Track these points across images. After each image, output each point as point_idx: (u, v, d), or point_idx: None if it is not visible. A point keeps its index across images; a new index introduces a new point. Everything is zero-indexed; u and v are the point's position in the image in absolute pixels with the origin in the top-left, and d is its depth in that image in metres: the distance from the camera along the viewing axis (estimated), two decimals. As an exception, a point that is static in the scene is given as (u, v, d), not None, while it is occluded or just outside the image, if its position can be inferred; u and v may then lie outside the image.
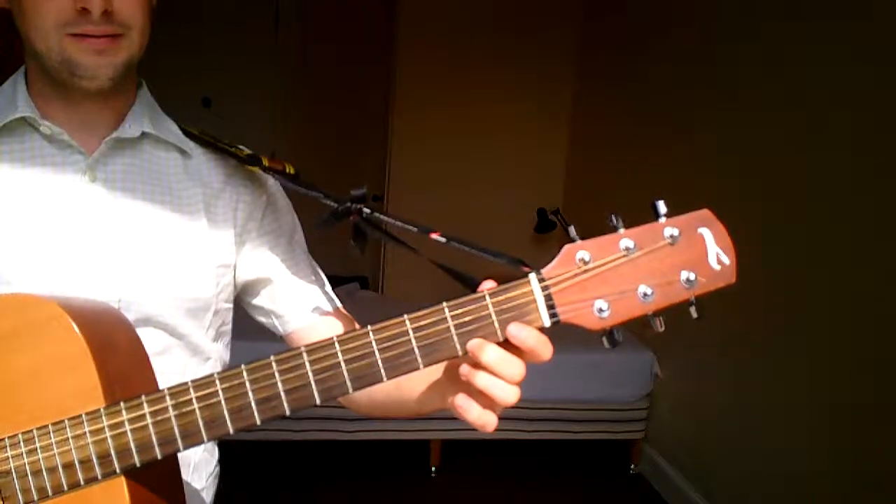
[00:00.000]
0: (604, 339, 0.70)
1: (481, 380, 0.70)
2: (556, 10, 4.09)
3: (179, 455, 0.79)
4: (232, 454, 3.30)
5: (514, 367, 0.70)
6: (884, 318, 2.07)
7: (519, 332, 0.69)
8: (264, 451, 3.14)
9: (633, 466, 3.32)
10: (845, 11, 2.22)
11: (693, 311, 0.69)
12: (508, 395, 0.70)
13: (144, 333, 0.85)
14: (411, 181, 4.14)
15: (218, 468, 1.06)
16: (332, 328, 0.98)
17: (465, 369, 0.70)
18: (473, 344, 0.69)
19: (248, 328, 1.07)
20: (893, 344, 2.03)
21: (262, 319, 1.04)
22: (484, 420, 0.72)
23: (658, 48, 3.31)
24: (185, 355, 0.94)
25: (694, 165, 2.97)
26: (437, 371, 0.79)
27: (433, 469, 3.20)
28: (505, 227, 3.94)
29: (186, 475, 0.97)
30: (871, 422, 2.11)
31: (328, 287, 1.04)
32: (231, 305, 1.02)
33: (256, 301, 1.02)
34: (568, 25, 4.11)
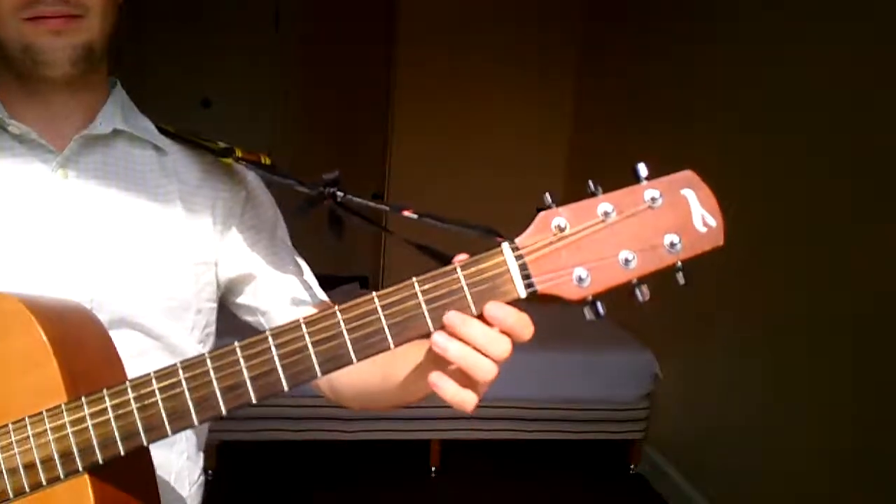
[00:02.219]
0: (586, 311, 0.66)
1: (456, 353, 0.66)
2: (556, 9, 4.08)
3: (159, 462, 0.78)
4: (232, 454, 3.30)
5: (503, 345, 0.66)
6: (884, 318, 2.06)
7: (497, 311, 0.65)
8: (264, 452, 3.14)
9: (632, 466, 3.31)
10: (846, 11, 2.22)
11: (680, 277, 0.65)
12: (487, 370, 0.66)
13: (119, 335, 0.83)
14: (411, 180, 4.13)
15: (203, 478, 1.02)
16: None
17: (438, 339, 0.66)
18: (452, 318, 0.65)
19: (243, 327, 1.05)
20: (894, 344, 2.03)
21: (247, 318, 1.02)
22: (461, 397, 0.67)
23: (658, 47, 3.31)
24: (163, 357, 0.91)
25: (694, 165, 2.96)
26: (419, 353, 0.76)
27: (433, 469, 3.19)
28: (505, 226, 3.93)
29: (168, 483, 0.94)
30: (871, 422, 2.11)
31: (313, 281, 1.02)
32: (215, 305, 1.00)
33: (241, 300, 1.00)
34: (569, 23, 4.11)
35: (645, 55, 3.43)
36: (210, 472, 2.92)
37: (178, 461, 0.97)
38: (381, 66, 4.50)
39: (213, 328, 1.00)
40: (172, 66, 4.62)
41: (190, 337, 0.95)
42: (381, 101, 4.43)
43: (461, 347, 0.66)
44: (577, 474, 3.29)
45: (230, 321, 1.04)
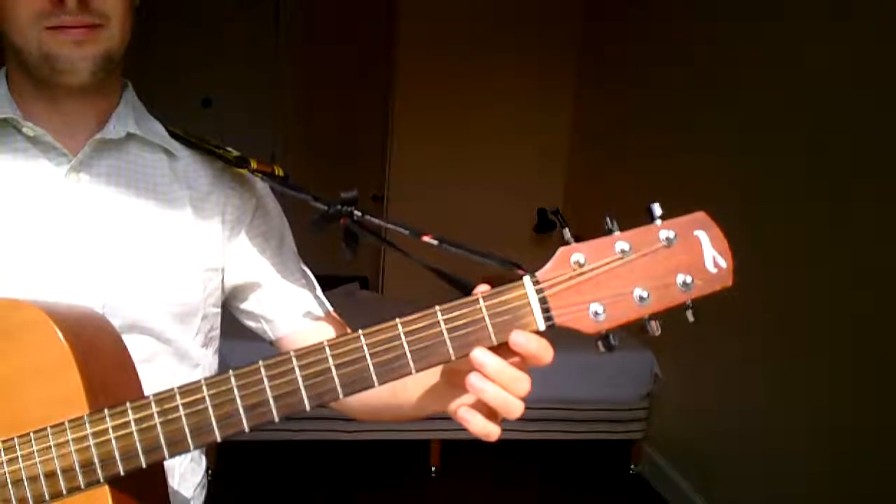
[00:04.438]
0: (599, 343, 0.69)
1: (491, 394, 0.69)
2: (556, 11, 4.08)
3: (164, 464, 0.77)
4: (232, 454, 3.30)
5: (524, 384, 0.69)
6: (884, 318, 2.07)
7: (520, 339, 0.68)
8: (264, 451, 3.14)
9: (633, 466, 3.32)
10: (845, 12, 2.22)
11: (690, 315, 0.68)
12: (516, 409, 0.70)
13: (130, 340, 0.83)
14: (411, 181, 4.13)
15: (205, 478, 1.03)
16: (323, 333, 0.96)
17: (475, 381, 0.69)
18: (479, 356, 0.68)
19: (243, 328, 1.05)
20: (893, 344, 2.03)
21: (250, 324, 1.02)
22: (488, 430, 0.71)
23: (658, 48, 3.31)
24: (172, 362, 0.92)
25: (694, 165, 2.96)
26: (434, 375, 0.78)
27: (433, 469, 3.19)
28: (505, 227, 3.94)
29: (173, 486, 0.95)
30: (871, 422, 2.11)
31: (319, 291, 1.02)
32: (219, 310, 1.00)
33: (245, 306, 1.01)
34: (568, 26, 4.11)
35: (645, 57, 3.43)
36: (210, 471, 2.92)
37: (182, 463, 0.97)
38: (381, 66, 4.51)
39: (216, 332, 1.01)
40: (172, 66, 4.63)
41: (194, 341, 0.95)
42: (381, 102, 4.43)
43: (496, 388, 0.69)
44: (577, 474, 3.30)
45: (232, 324, 1.05)
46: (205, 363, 0.97)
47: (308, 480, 3.10)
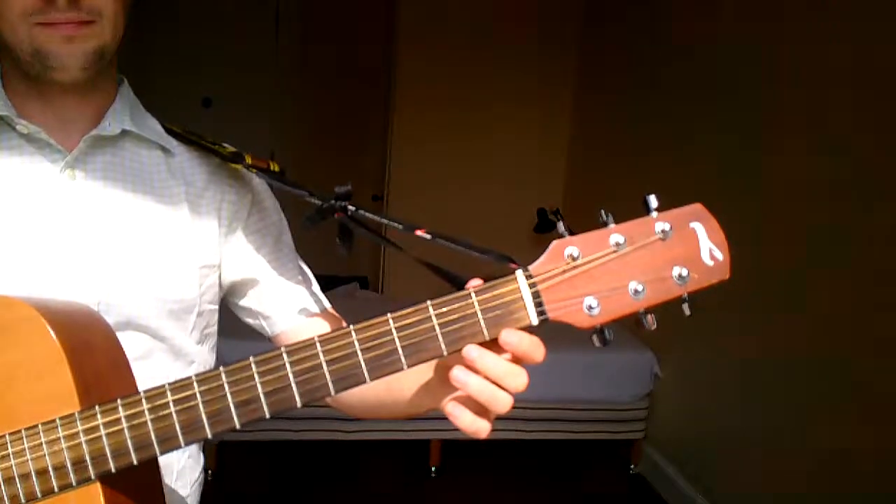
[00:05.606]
0: (594, 338, 0.68)
1: (476, 388, 0.68)
2: (556, 11, 4.08)
3: (162, 461, 0.78)
4: (231, 454, 3.29)
5: (521, 378, 0.68)
6: (884, 318, 2.07)
7: (511, 338, 0.67)
8: (264, 451, 3.14)
9: (633, 466, 3.32)
10: (845, 12, 2.22)
11: (686, 309, 0.67)
12: (504, 404, 0.68)
13: (126, 337, 0.83)
14: (411, 181, 4.13)
15: (202, 476, 1.03)
16: (321, 329, 0.94)
17: (458, 374, 0.68)
18: (471, 352, 0.67)
19: (242, 327, 1.06)
20: (894, 344, 2.03)
21: (249, 321, 1.02)
22: (476, 426, 0.70)
23: (658, 48, 3.31)
24: (167, 359, 0.92)
25: (694, 165, 2.96)
26: (428, 371, 0.77)
27: (433, 469, 3.19)
28: (505, 227, 3.94)
29: (170, 482, 0.95)
30: (871, 422, 2.11)
31: (316, 287, 1.02)
32: (216, 307, 1.00)
33: (243, 302, 1.01)
34: (569, 26, 4.11)
35: (645, 57, 3.43)
36: (210, 471, 2.93)
37: (181, 460, 0.97)
38: (382, 66, 4.51)
39: (213, 329, 1.01)
40: (172, 66, 4.63)
41: (189, 338, 0.95)
42: (381, 102, 4.43)
43: (480, 382, 0.68)
44: (577, 474, 3.30)
45: (231, 323, 1.05)
46: (200, 360, 0.97)
47: (308, 481, 3.10)
